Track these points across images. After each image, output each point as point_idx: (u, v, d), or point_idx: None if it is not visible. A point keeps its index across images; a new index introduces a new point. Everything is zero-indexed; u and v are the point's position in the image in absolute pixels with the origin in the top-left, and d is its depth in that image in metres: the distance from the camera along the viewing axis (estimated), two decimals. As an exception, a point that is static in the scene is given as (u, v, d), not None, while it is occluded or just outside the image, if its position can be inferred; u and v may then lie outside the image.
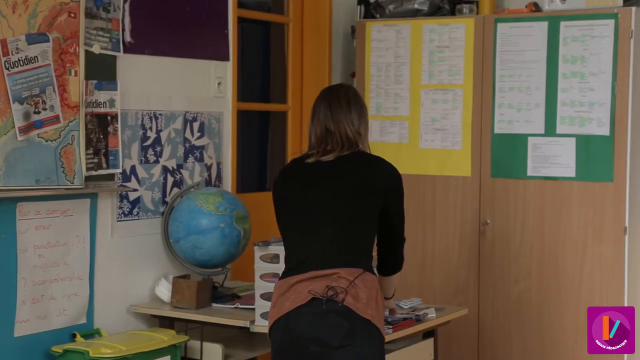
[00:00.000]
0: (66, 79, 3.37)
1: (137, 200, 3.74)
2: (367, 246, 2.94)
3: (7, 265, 3.26)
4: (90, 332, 3.52)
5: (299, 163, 3.03)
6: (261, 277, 3.36)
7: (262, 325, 3.32)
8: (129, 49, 3.66)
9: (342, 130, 2.99)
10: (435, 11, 4.56)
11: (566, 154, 4.15)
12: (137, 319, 3.71)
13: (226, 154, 4.15)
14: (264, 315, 3.29)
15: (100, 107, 3.54)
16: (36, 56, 3.28)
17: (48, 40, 3.31)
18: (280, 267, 3.18)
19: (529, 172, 4.24)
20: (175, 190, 3.89)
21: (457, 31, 4.40)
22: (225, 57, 4.14)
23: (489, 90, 4.34)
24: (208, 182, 4.05)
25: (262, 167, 4.96)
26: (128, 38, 3.66)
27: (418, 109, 4.50)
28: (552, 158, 4.18)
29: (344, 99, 3.04)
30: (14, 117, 3.23)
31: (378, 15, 4.66)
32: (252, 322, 3.41)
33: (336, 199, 2.92)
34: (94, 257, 3.57)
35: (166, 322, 3.65)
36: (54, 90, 3.34)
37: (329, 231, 2.90)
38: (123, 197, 3.68)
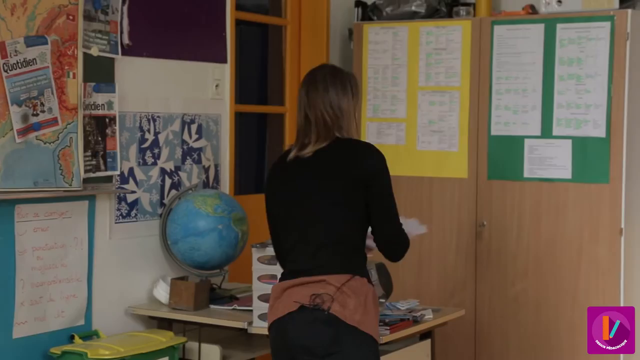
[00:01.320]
0: (64, 81, 3.38)
1: (135, 202, 3.74)
2: (356, 244, 2.87)
3: (6, 267, 3.26)
4: (89, 334, 3.52)
5: (283, 160, 2.96)
6: (259, 278, 3.36)
7: (259, 327, 3.32)
8: (127, 51, 3.67)
9: (319, 117, 2.88)
10: (432, 13, 4.57)
11: (562, 155, 4.16)
12: (135, 321, 3.71)
13: (224, 155, 4.15)
14: (261, 317, 3.30)
15: (99, 109, 3.54)
16: (34, 58, 3.28)
17: (46, 43, 3.32)
18: (277, 269, 3.15)
19: (526, 174, 4.25)
20: (173, 192, 3.89)
21: (454, 33, 4.41)
22: (223, 60, 4.15)
23: (486, 92, 4.34)
24: (206, 184, 4.05)
25: (259, 169, 4.95)
26: (126, 40, 3.66)
27: (415, 111, 4.51)
28: (549, 160, 4.19)
29: (321, 82, 2.92)
30: (12, 119, 3.23)
31: (375, 18, 4.67)
32: (250, 323, 3.41)
33: (320, 198, 2.86)
34: (92, 259, 3.57)
35: (164, 324, 3.65)
36: (52, 93, 3.34)
37: (316, 235, 2.85)
38: (121, 199, 3.68)
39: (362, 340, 2.78)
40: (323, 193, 2.86)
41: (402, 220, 2.99)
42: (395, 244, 2.93)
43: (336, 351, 2.76)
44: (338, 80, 2.93)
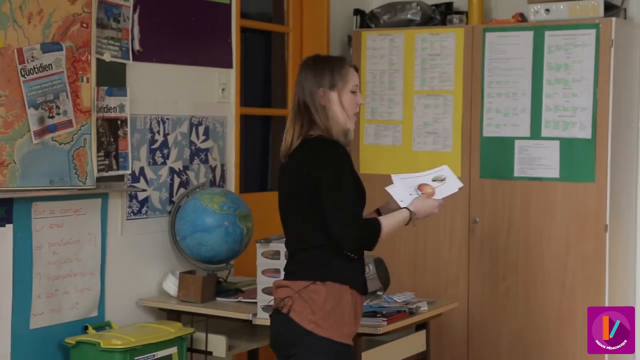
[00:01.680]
0: (78, 85, 3.43)
1: (146, 199, 3.79)
2: (320, 248, 2.80)
3: (23, 262, 3.31)
4: (102, 325, 3.57)
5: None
6: (263, 272, 3.41)
7: (263, 318, 3.38)
8: (138, 57, 3.71)
9: (294, 114, 2.81)
10: (427, 21, 4.60)
11: (550, 156, 4.20)
12: (145, 312, 3.76)
13: (230, 156, 4.18)
14: (265, 309, 3.37)
15: (111, 112, 3.60)
16: (50, 64, 3.34)
17: (62, 49, 3.37)
18: (280, 263, 3.27)
19: (516, 173, 4.29)
20: (182, 190, 3.93)
21: (448, 40, 4.45)
22: (228, 65, 4.18)
23: (478, 96, 4.38)
24: (212, 183, 4.08)
25: (263, 169, 4.95)
26: (137, 47, 3.71)
27: (411, 114, 4.54)
28: (538, 160, 4.23)
29: (299, 76, 2.83)
30: (29, 121, 3.28)
31: (373, 25, 4.70)
32: (255, 315, 3.46)
33: (287, 205, 2.87)
34: (105, 254, 3.62)
35: (173, 315, 3.70)
36: (67, 96, 3.40)
37: (289, 240, 2.91)
38: (132, 197, 3.73)
39: (317, 344, 2.77)
40: (288, 200, 2.86)
41: (434, 174, 2.89)
42: (351, 243, 2.77)
43: (293, 353, 2.81)
44: (317, 70, 2.80)
